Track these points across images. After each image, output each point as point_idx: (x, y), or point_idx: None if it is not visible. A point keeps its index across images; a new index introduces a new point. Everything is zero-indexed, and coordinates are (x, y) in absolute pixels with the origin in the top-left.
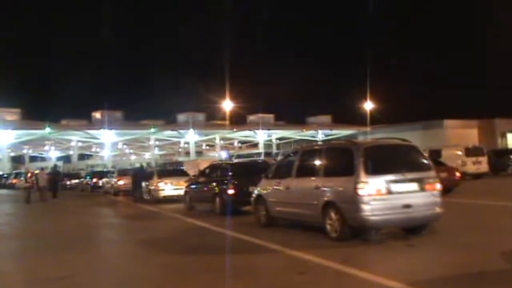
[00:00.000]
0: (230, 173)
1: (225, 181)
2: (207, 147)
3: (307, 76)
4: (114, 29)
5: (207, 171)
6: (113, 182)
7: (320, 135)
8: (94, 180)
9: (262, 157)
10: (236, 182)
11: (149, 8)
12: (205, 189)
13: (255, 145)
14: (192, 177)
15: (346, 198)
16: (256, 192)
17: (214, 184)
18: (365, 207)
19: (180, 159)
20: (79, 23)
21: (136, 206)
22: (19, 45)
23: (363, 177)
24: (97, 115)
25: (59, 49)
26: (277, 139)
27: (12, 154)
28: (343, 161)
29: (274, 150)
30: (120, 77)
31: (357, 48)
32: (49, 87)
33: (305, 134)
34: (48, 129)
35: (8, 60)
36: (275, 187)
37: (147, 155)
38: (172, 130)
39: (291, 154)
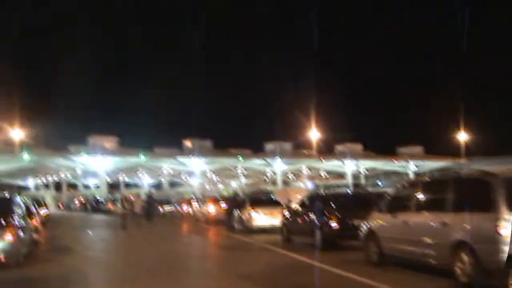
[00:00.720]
0: (331, 204)
1: (327, 213)
2: (294, 177)
3: (396, 104)
4: (207, 62)
5: (305, 201)
6: (204, 210)
7: (412, 166)
8: (185, 207)
9: (351, 189)
10: (339, 215)
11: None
12: (304, 220)
13: (341, 175)
14: (287, 208)
15: (482, 238)
16: (366, 226)
17: (314, 215)
18: (508, 249)
19: (268, 188)
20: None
21: (229, 235)
22: (115, 76)
23: (505, 214)
24: (187, 143)
25: (150, 78)
26: (365, 169)
27: (109, 180)
28: (478, 194)
29: (362, 181)
30: (210, 105)
31: (451, 80)
32: (140, 114)
33: (395, 165)
34: (142, 157)
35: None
36: (390, 221)
37: (234, 184)
38: (259, 158)
39: (409, 185)
